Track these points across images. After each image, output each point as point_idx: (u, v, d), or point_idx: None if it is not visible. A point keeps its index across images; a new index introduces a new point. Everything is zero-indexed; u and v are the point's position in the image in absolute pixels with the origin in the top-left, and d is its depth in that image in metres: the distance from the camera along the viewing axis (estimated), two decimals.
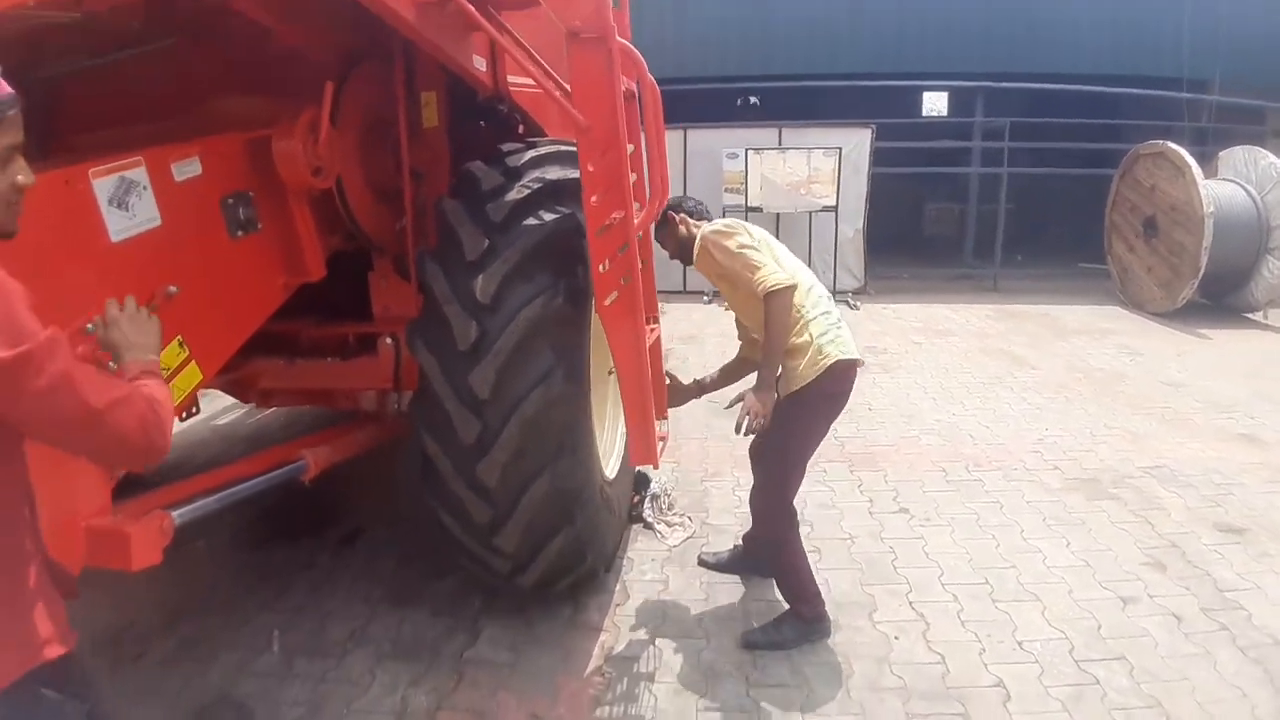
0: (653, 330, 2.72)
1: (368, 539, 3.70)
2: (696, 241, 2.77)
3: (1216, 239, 7.63)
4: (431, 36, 2.31)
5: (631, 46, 2.34)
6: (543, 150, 2.70)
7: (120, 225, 1.97)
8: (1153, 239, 8.48)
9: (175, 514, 1.99)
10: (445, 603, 3.13)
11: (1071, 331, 7.67)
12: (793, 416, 2.69)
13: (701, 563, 3.33)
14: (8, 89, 1.16)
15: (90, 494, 1.88)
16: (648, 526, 3.66)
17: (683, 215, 2.92)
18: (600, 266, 2.30)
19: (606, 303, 2.32)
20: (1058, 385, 5.94)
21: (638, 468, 3.78)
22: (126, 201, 2.00)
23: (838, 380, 2.68)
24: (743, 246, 2.61)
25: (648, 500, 3.76)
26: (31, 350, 1.06)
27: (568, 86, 2.35)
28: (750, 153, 8.51)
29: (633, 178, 2.45)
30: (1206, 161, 8.81)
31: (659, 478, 3.91)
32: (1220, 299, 8.50)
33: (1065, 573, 3.29)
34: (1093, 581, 3.23)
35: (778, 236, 2.92)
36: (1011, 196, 10.07)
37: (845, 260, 9.28)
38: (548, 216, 2.49)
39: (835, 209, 8.67)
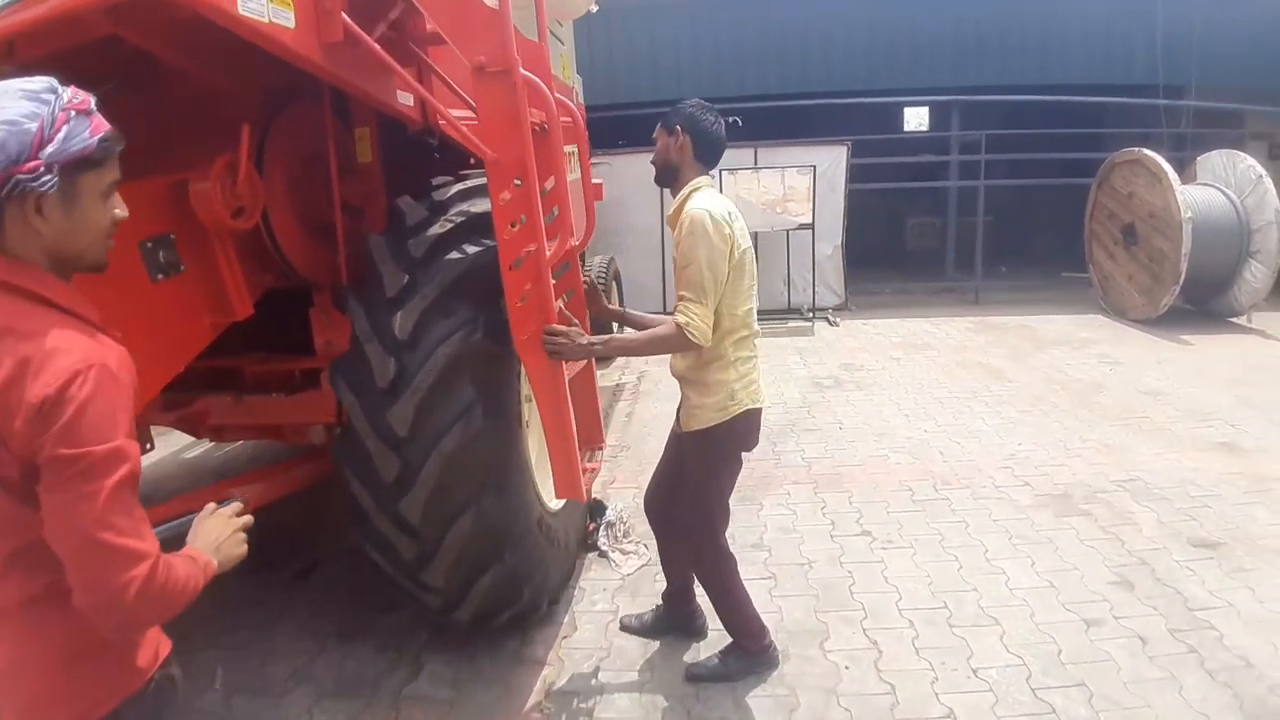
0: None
1: (321, 573, 3.66)
2: (686, 211, 2.41)
3: (1196, 244, 7.58)
4: (347, 76, 2.30)
5: (537, 79, 2.32)
6: (471, 184, 2.69)
7: None
8: (1132, 246, 8.45)
9: None
10: (391, 637, 3.09)
11: (1051, 342, 7.62)
12: (700, 457, 2.60)
13: (624, 627, 3.08)
14: (109, 126, 1.22)
15: None
16: (602, 555, 3.61)
17: (687, 141, 2.51)
18: (518, 300, 2.27)
19: (524, 338, 2.29)
20: (1034, 398, 5.88)
21: (593, 496, 3.75)
22: None
23: (748, 426, 2.58)
24: (712, 263, 2.34)
25: (603, 528, 3.71)
26: (101, 455, 1.10)
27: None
28: (725, 173, 8.52)
29: (555, 211, 2.44)
30: (1185, 167, 8.80)
31: (615, 505, 3.87)
32: (1203, 304, 8.45)
33: (1028, 595, 3.24)
34: (1056, 603, 3.17)
35: (755, 255, 2.75)
36: (992, 209, 10.02)
37: (825, 277, 9.25)
38: (470, 250, 2.47)
39: (812, 226, 8.65)
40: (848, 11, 10.26)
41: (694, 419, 2.55)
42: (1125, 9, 10.15)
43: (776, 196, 8.57)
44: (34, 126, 1.12)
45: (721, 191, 9.05)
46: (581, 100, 7.01)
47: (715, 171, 8.14)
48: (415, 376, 2.28)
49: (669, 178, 2.58)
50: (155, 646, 1.32)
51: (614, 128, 9.07)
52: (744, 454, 2.66)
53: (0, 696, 1.22)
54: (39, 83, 1.17)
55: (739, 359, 2.51)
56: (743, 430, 2.56)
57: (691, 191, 2.49)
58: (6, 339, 1.11)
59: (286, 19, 2.05)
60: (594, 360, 2.97)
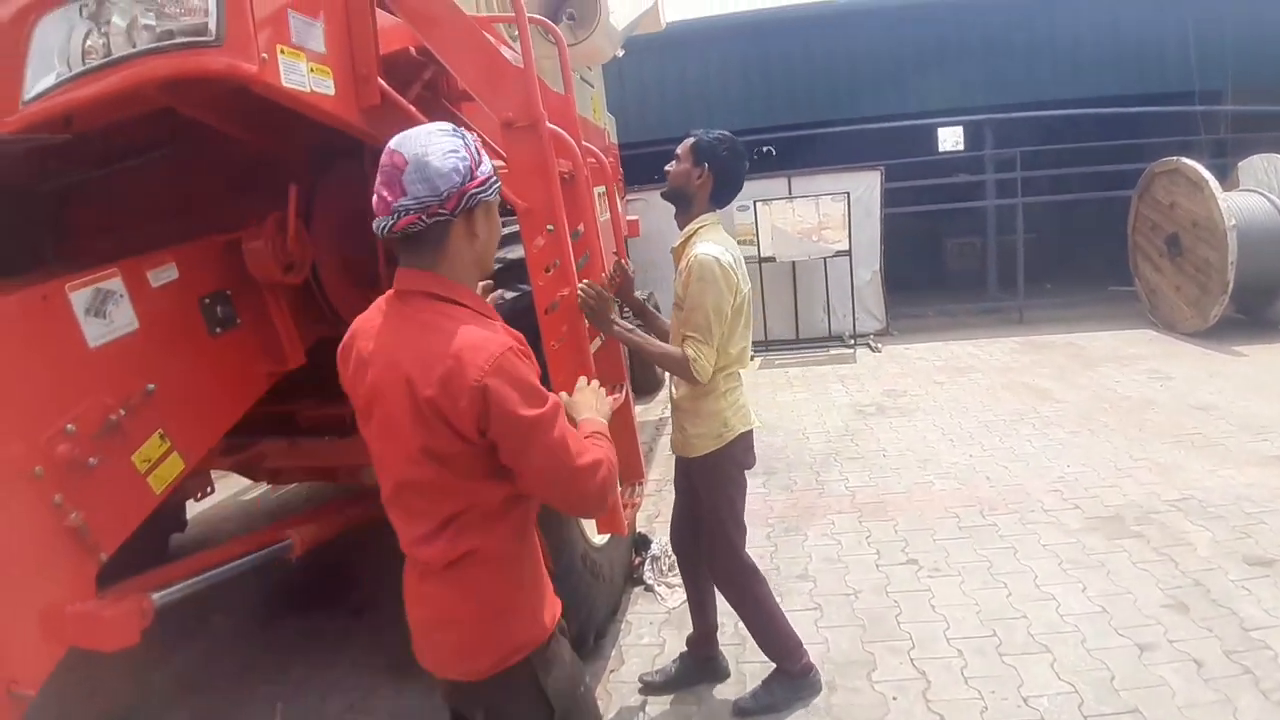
0: (618, 398, 2.76)
1: (374, 611, 3.75)
2: (695, 254, 2.47)
3: (1243, 252, 7.39)
4: (385, 135, 2.43)
5: (562, 131, 2.43)
6: (507, 230, 2.78)
7: (98, 332, 2.12)
8: (1178, 257, 8.26)
9: (155, 596, 2.11)
10: None
11: (1099, 359, 7.47)
12: (709, 485, 2.70)
13: (647, 687, 2.98)
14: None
15: (74, 580, 1.99)
16: (648, 589, 3.65)
17: (709, 179, 2.59)
18: (554, 342, 2.36)
19: (560, 379, 2.37)
20: (1082, 417, 5.78)
21: (639, 531, 3.80)
22: (104, 310, 2.15)
23: (744, 446, 2.70)
24: (719, 309, 2.43)
25: (648, 562, 3.75)
26: (546, 412, 1.39)
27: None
28: (759, 203, 8.60)
29: (586, 256, 2.53)
30: (1226, 173, 8.62)
31: (660, 539, 3.90)
32: (1256, 313, 8.20)
33: (1079, 620, 3.18)
34: (1108, 628, 3.11)
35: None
36: (1032, 225, 9.90)
37: (865, 303, 9.22)
38: (509, 295, 2.59)
39: (849, 253, 8.66)
40: (875, 36, 10.33)
41: (692, 447, 2.67)
42: (1155, 17, 10.06)
43: (812, 225, 8.62)
44: (466, 152, 1.41)
45: (757, 222, 9.03)
46: (614, 139, 7.17)
47: (749, 202, 8.16)
48: None
49: (680, 202, 2.67)
50: (554, 607, 1.60)
51: (649, 164, 9.18)
52: (761, 475, 2.75)
53: (436, 639, 1.54)
54: (443, 124, 1.47)
55: (728, 390, 2.63)
56: (740, 452, 2.68)
57: (699, 228, 2.60)
58: (441, 338, 1.37)
59: (327, 87, 2.19)
60: (631, 395, 3.05)
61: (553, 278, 2.38)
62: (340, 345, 1.58)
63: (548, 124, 2.33)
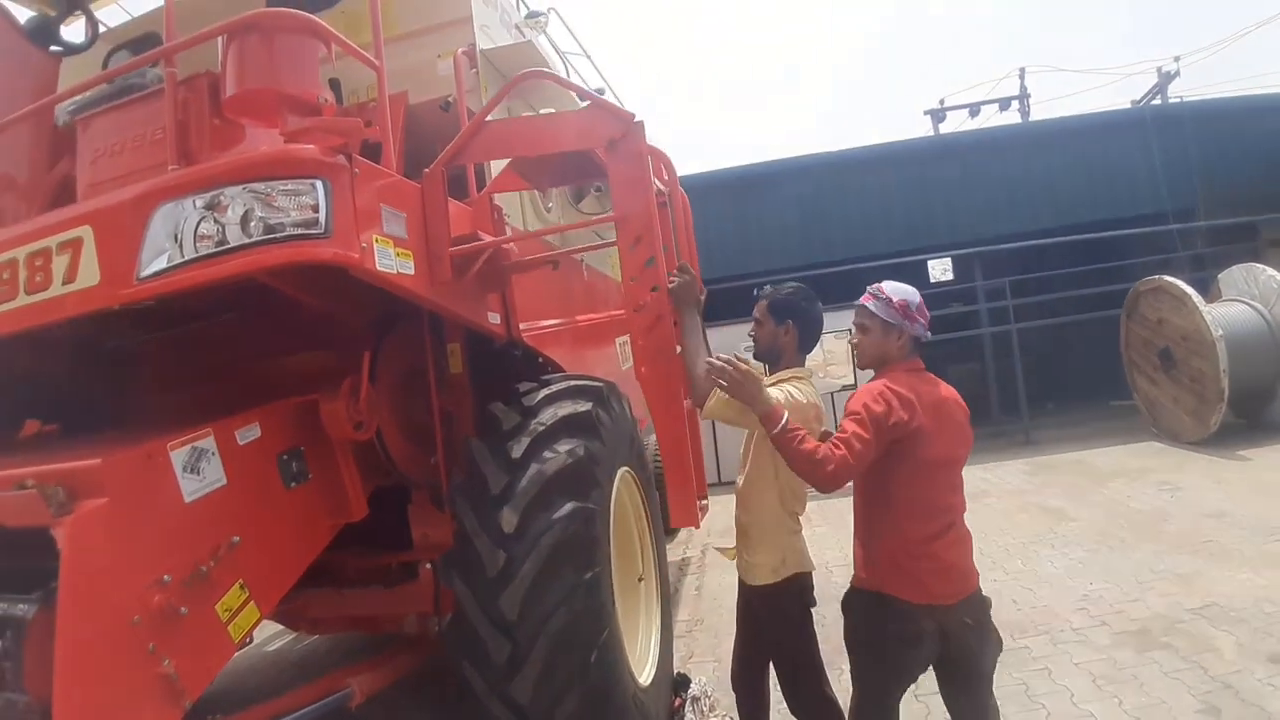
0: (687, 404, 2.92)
1: None
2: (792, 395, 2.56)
3: (1234, 359, 7.67)
4: (449, 305, 2.73)
5: (664, 151, 2.75)
6: (555, 388, 3.03)
7: (193, 487, 2.29)
8: (1172, 370, 8.55)
9: None
10: None
11: (1108, 475, 7.60)
12: (774, 618, 2.75)
13: None
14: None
15: None
16: None
17: (794, 334, 2.76)
18: (640, 340, 2.67)
19: (644, 369, 2.67)
20: (1099, 534, 5.86)
21: (676, 671, 3.83)
22: (198, 467, 2.33)
23: (803, 585, 2.76)
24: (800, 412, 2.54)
25: (689, 703, 3.76)
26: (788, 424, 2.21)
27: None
28: None
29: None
30: (1208, 285, 9.01)
31: (699, 679, 3.93)
32: (1254, 416, 8.42)
33: None
34: None
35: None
36: (1028, 349, 10.25)
37: None
38: (562, 449, 2.76)
39: (854, 386, 8.95)
40: (867, 188, 11.08)
41: (754, 573, 2.75)
42: (1120, 147, 10.78)
43: (818, 361, 8.95)
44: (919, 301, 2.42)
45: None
46: None
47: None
48: (523, 565, 2.52)
49: (772, 360, 2.83)
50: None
51: None
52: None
53: (965, 565, 2.36)
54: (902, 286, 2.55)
55: (791, 525, 2.75)
56: (800, 590, 2.75)
57: (793, 378, 2.74)
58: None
59: (409, 268, 2.50)
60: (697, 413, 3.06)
61: (642, 280, 2.72)
62: (902, 400, 2.28)
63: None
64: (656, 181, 2.93)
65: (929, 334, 2.52)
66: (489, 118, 2.84)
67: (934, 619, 2.27)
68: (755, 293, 2.91)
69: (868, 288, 2.57)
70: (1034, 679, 3.79)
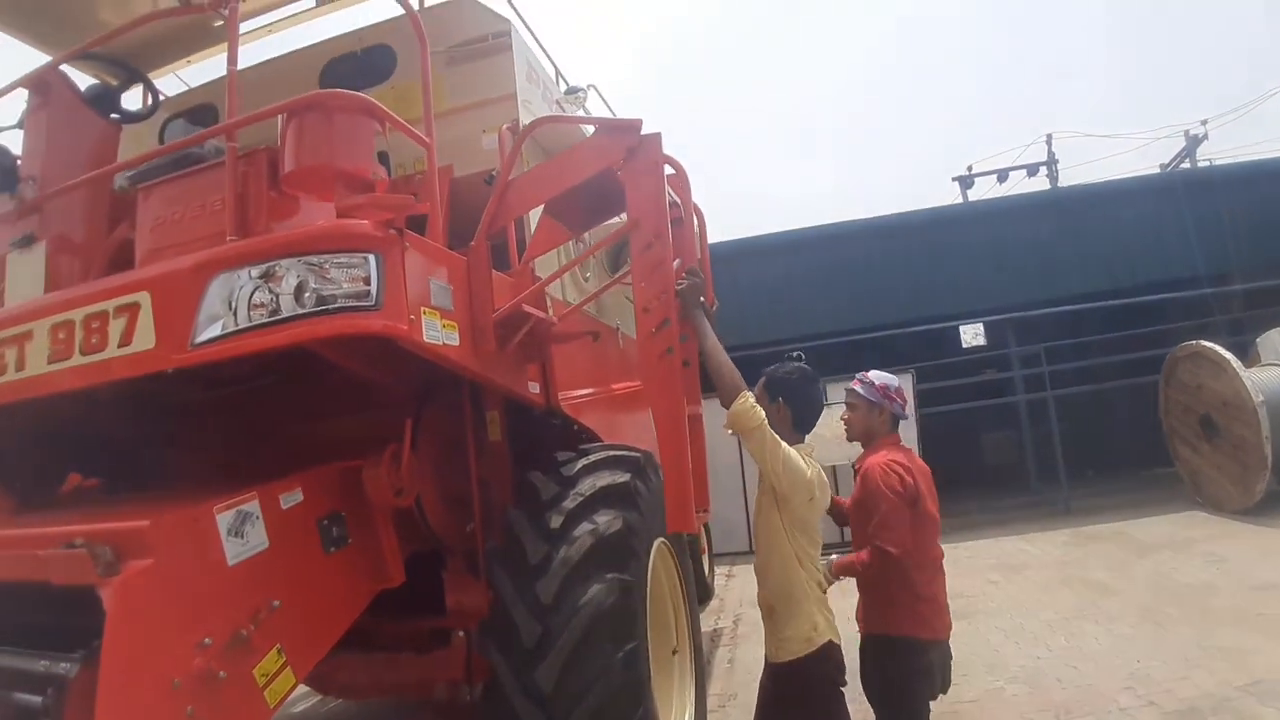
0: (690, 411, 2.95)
1: None
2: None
3: (1276, 426, 7.49)
4: (492, 376, 2.77)
5: (681, 164, 2.83)
6: (594, 458, 3.04)
7: (236, 551, 2.29)
8: (1214, 438, 8.36)
9: None
10: None
11: (1151, 547, 7.38)
12: (805, 698, 2.68)
13: None
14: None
15: None
16: None
17: (786, 412, 2.85)
18: (650, 331, 2.73)
19: (654, 359, 2.70)
20: (1144, 609, 5.67)
21: None
22: (242, 530, 2.33)
23: (834, 657, 2.72)
24: (786, 456, 2.65)
25: None
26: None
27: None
28: None
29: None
30: (1247, 350, 8.84)
31: None
32: None
33: None
34: None
35: (834, 487, 3.07)
36: (1065, 416, 10.03)
37: None
38: (600, 520, 2.76)
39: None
40: (894, 252, 11.11)
41: (783, 649, 2.71)
42: (1152, 211, 10.71)
43: (835, 433, 8.82)
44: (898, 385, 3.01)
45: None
46: None
47: None
48: (560, 637, 2.50)
49: (784, 428, 2.84)
50: None
51: None
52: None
53: (946, 603, 2.95)
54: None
55: (810, 589, 2.73)
56: (832, 662, 2.70)
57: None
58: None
59: (454, 339, 2.55)
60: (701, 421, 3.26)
61: (652, 281, 2.79)
62: (904, 472, 2.86)
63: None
64: (671, 192, 3.04)
65: (905, 414, 3.15)
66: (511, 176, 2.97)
67: (935, 653, 2.84)
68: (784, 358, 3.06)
69: (856, 375, 3.18)
70: None
